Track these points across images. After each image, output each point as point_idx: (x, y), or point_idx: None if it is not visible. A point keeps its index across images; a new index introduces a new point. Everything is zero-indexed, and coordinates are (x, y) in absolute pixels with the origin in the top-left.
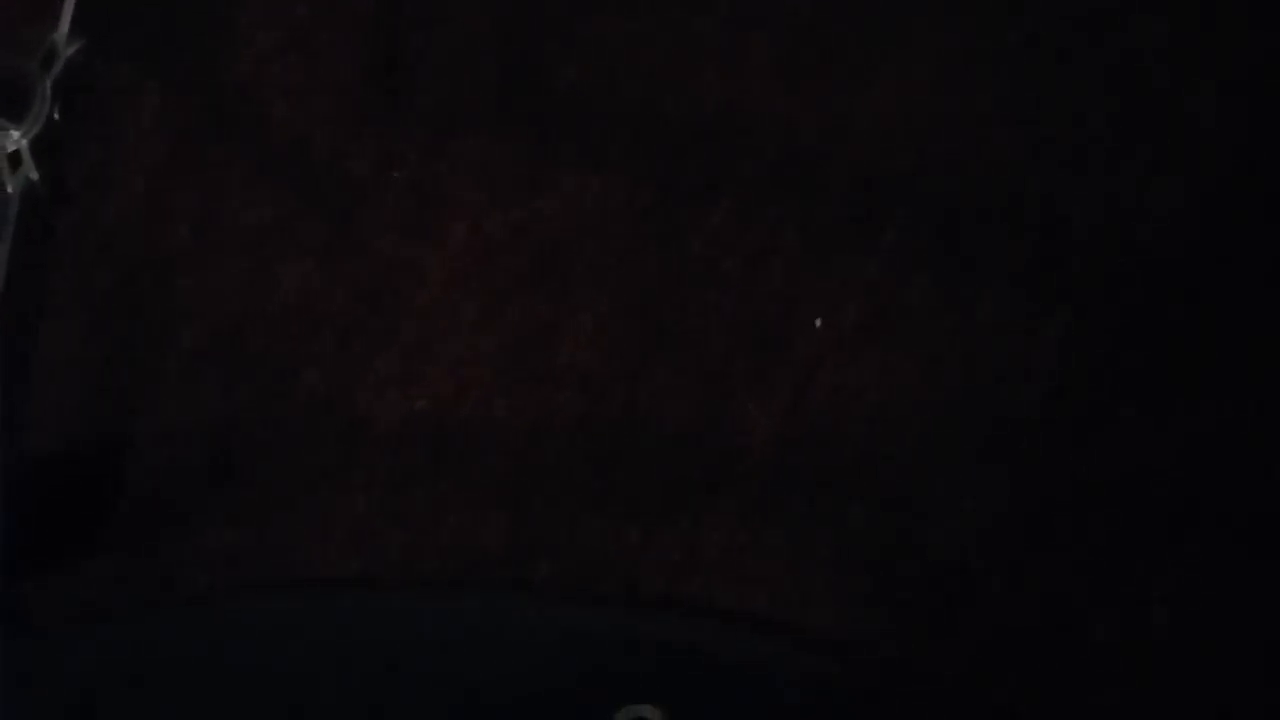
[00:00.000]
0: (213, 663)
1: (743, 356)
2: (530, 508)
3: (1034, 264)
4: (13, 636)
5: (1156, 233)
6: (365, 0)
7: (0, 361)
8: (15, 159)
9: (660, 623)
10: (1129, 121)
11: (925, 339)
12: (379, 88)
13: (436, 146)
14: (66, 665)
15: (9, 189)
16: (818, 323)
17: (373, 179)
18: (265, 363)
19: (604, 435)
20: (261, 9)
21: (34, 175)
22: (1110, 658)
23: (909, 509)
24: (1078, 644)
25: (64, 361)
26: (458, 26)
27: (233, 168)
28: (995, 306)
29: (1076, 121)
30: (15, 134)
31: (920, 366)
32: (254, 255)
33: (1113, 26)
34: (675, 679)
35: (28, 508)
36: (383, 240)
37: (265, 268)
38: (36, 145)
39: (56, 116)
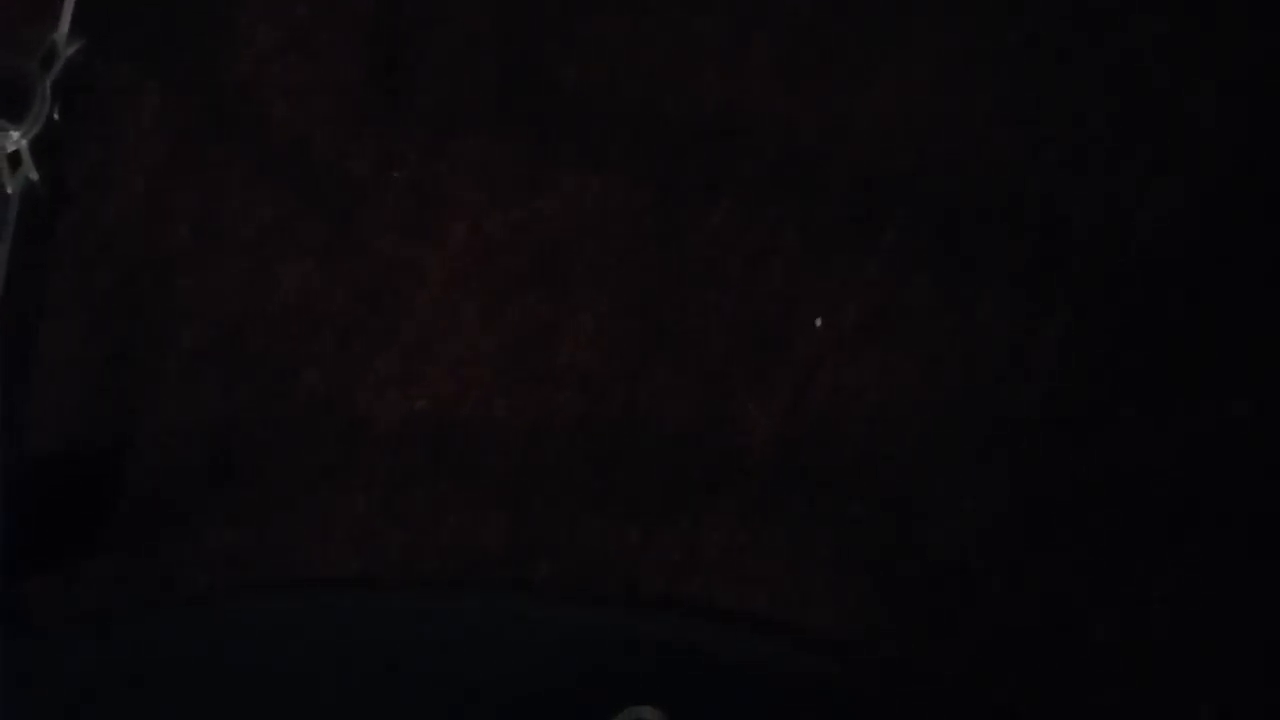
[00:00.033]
0: (212, 663)
1: (743, 356)
2: (530, 507)
3: (1034, 264)
4: (13, 636)
5: (1156, 233)
6: (365, 0)
7: (0, 361)
8: (15, 159)
9: (660, 623)
10: (1129, 121)
11: (925, 339)
12: (379, 88)
13: (437, 146)
14: (66, 665)
15: (9, 189)
16: (818, 322)
17: (373, 179)
18: (265, 363)
19: (604, 435)
20: (261, 9)
21: (34, 175)
22: (1110, 658)
23: (909, 509)
24: (1078, 644)
25: (64, 362)
26: (458, 26)
27: (233, 168)
28: (995, 306)
29: (1076, 121)
30: (15, 134)
31: (920, 366)
32: (254, 255)
33: (1113, 26)
34: (675, 679)
35: (28, 508)
36: (383, 240)
37: (265, 268)
38: (36, 145)
39: (56, 117)
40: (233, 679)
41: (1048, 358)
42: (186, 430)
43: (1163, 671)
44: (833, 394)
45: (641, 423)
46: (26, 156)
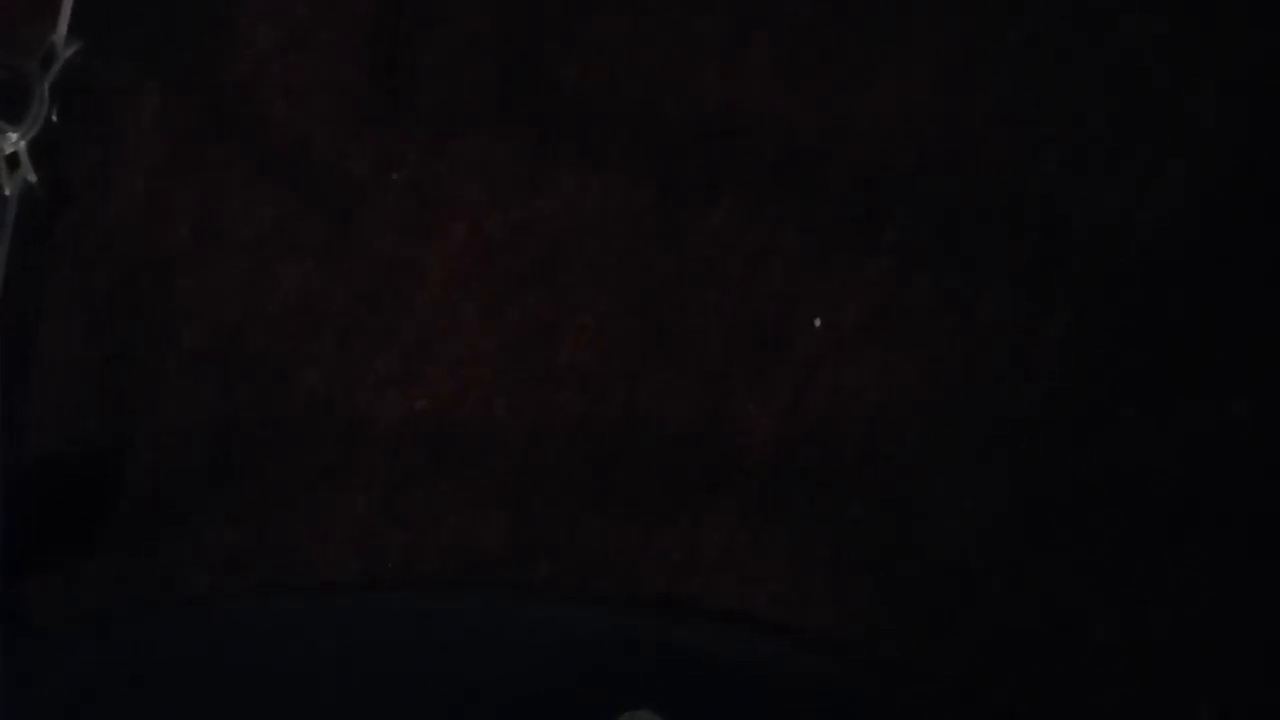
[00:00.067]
0: (212, 664)
1: (743, 356)
2: (530, 507)
3: (1034, 264)
4: (13, 636)
5: (1156, 233)
6: (366, 0)
7: (0, 362)
8: (13, 161)
9: (659, 624)
10: (1129, 121)
11: (925, 339)
12: (379, 88)
13: (437, 146)
14: (66, 665)
15: (7, 191)
16: (816, 323)
17: (373, 179)
18: (265, 363)
19: (604, 435)
20: (261, 9)
21: (32, 177)
22: (1110, 658)
23: (909, 509)
24: (1078, 644)
25: (64, 362)
26: (458, 26)
27: (232, 168)
28: (995, 306)
29: (1076, 121)
30: (14, 136)
31: (920, 366)
32: (254, 255)
33: (1112, 26)
34: (674, 681)
35: (28, 508)
36: (383, 240)
37: (265, 268)
38: (35, 147)
39: (55, 118)
40: (232, 680)
41: (1048, 358)
42: (186, 430)
43: (1163, 671)
44: (833, 394)
45: (641, 423)
46: (25, 158)
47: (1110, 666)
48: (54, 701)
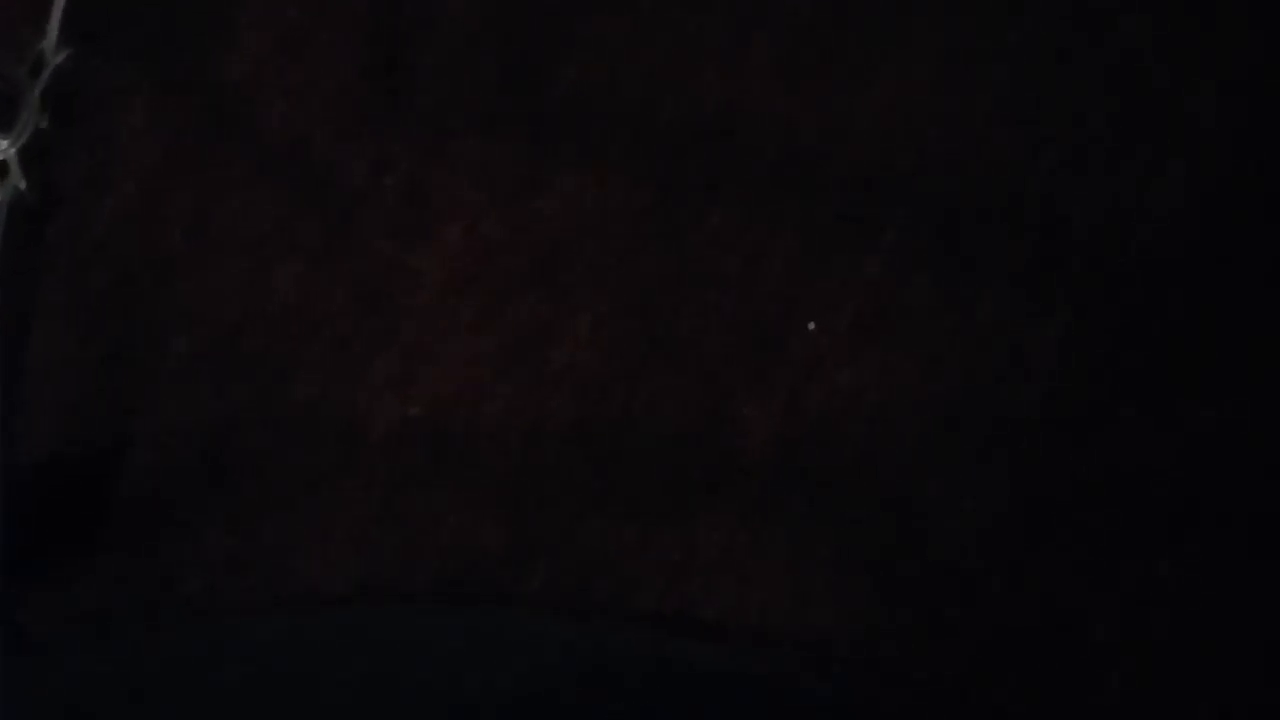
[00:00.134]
0: (208, 677)
1: (742, 357)
2: (528, 509)
3: (1034, 264)
4: (9, 643)
5: (1156, 233)
6: (361, 2)
7: None
8: (3, 169)
9: (655, 637)
10: (1129, 121)
11: (925, 339)
12: (376, 89)
13: (434, 147)
14: (64, 675)
15: None
16: (811, 326)
17: (370, 181)
18: (262, 365)
19: (602, 436)
20: (256, 11)
21: (22, 184)
22: (1110, 658)
23: (909, 509)
24: (1078, 644)
25: (59, 366)
26: (456, 26)
27: (228, 170)
28: (995, 306)
29: (1076, 121)
30: (4, 144)
31: (920, 367)
32: (250, 258)
33: (1113, 26)
34: (670, 695)
35: (25, 511)
36: (380, 242)
37: (261, 270)
38: (26, 153)
39: (45, 125)
40: (226, 693)
41: (1048, 358)
42: (183, 432)
43: (1163, 671)
44: (832, 395)
45: (640, 424)
46: (15, 165)
47: (1110, 666)
48: (49, 710)
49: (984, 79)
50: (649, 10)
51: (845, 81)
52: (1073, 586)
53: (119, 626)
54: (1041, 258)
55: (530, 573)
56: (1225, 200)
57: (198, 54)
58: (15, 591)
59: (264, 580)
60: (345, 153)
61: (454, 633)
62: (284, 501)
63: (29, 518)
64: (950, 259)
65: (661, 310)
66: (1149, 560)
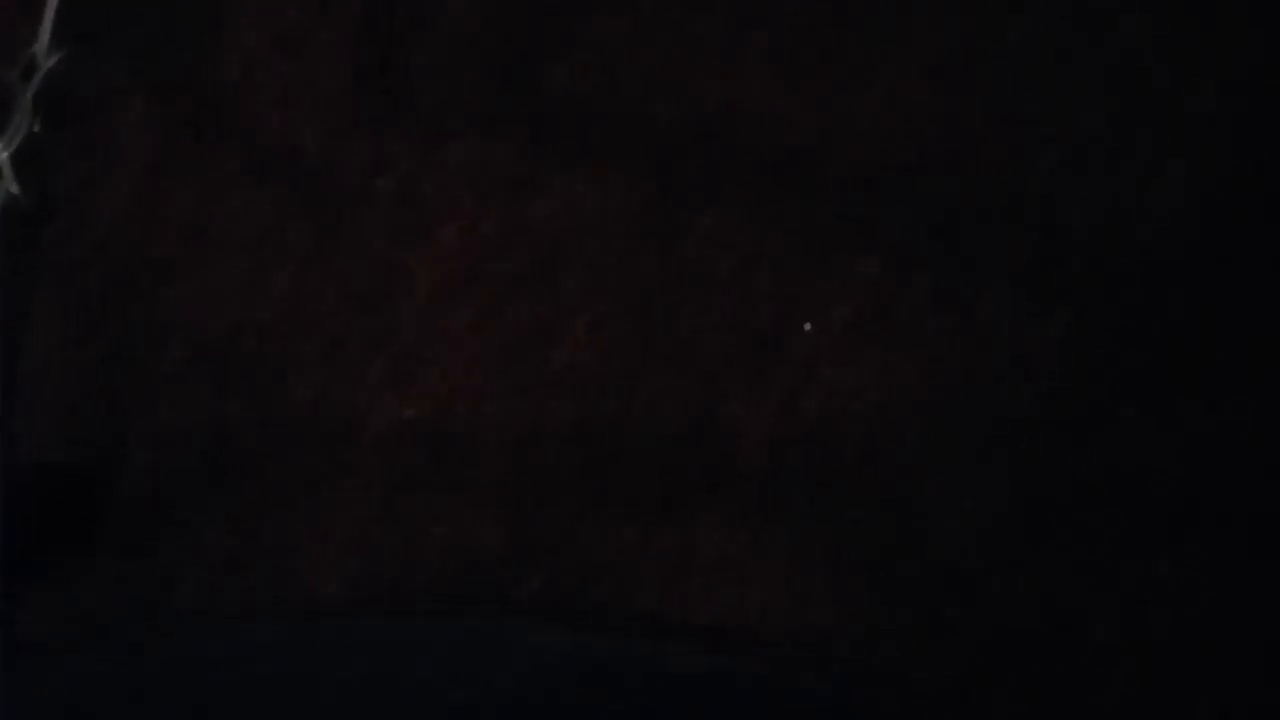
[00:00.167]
0: (207, 678)
1: (740, 358)
2: (526, 511)
3: (1034, 264)
4: (9, 645)
5: (1156, 233)
6: (353, 4)
7: None
8: None
9: (655, 640)
10: (1129, 122)
11: (924, 339)
12: (370, 91)
13: (429, 150)
14: (64, 675)
15: None
16: (807, 327)
17: (365, 183)
18: (259, 367)
19: (600, 437)
20: (249, 13)
21: (14, 189)
22: (1110, 658)
23: (909, 509)
24: (1078, 644)
25: (56, 369)
26: (450, 27)
27: (222, 173)
28: (995, 306)
29: (1076, 121)
30: None
31: (919, 367)
32: (246, 261)
33: (1113, 26)
34: (665, 701)
35: (21, 516)
36: (376, 243)
37: (257, 273)
38: (19, 157)
39: (38, 128)
40: (225, 696)
41: (1048, 358)
42: (180, 436)
43: (1163, 671)
44: (830, 395)
45: (638, 425)
46: (8, 170)
47: (1110, 666)
48: (49, 710)
49: (984, 79)
50: (647, 11)
51: (843, 82)
52: (1073, 586)
53: (119, 627)
54: (1041, 258)
55: (529, 574)
56: (1225, 200)
57: (191, 56)
58: (15, 592)
59: (263, 581)
60: (341, 154)
61: (453, 635)
62: (282, 502)
63: (28, 518)
64: (950, 259)
65: (659, 311)
66: (1149, 560)
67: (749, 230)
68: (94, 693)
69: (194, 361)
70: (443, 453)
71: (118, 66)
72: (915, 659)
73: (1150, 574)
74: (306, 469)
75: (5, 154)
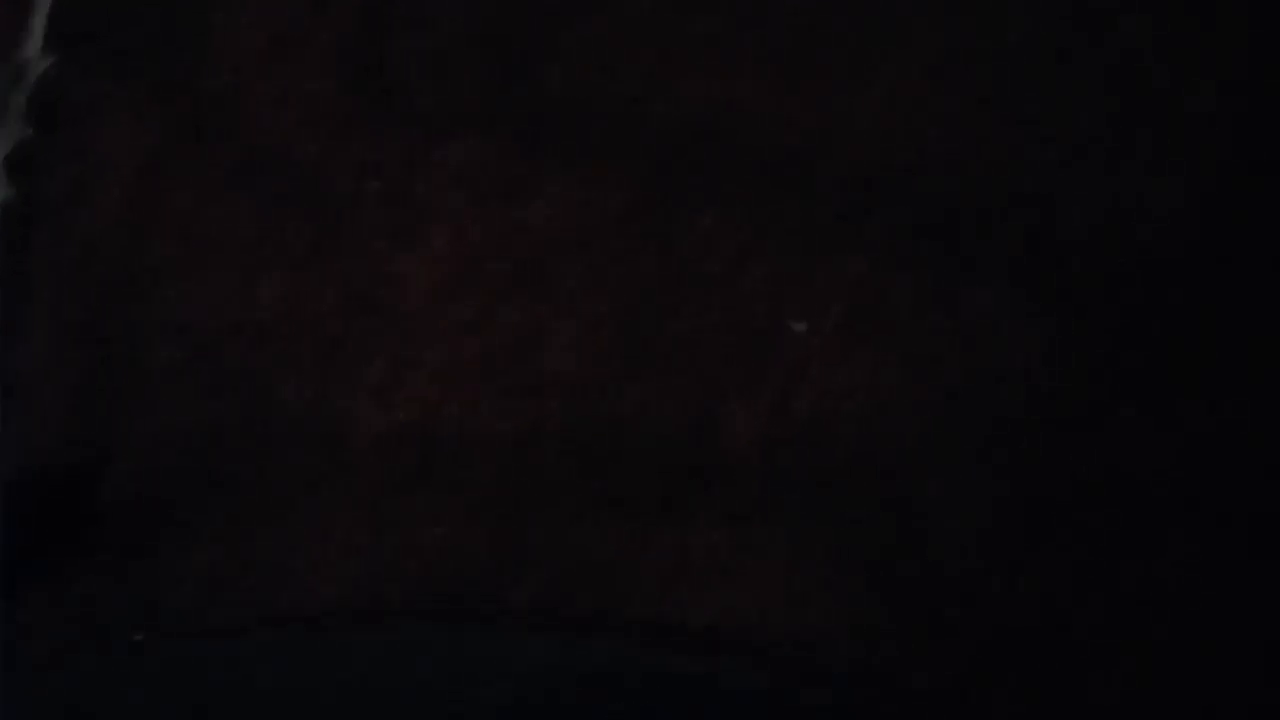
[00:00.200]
0: (202, 684)
1: (733, 359)
2: (518, 515)
3: (1034, 264)
4: (8, 648)
5: (1156, 233)
6: (348, 6)
7: None
8: None
9: (652, 645)
10: (1129, 122)
11: (924, 339)
12: (361, 95)
13: (421, 152)
14: (62, 679)
15: None
16: (799, 327)
17: (355, 187)
18: (249, 372)
19: (595, 440)
20: (240, 17)
21: (5, 193)
22: (1110, 658)
23: (908, 509)
24: (1077, 644)
25: (47, 374)
26: (442, 30)
27: (212, 178)
28: (995, 306)
29: (1076, 121)
30: None
31: (919, 367)
32: (236, 266)
33: (1113, 26)
34: (659, 707)
35: (16, 518)
36: (366, 248)
37: (247, 278)
38: (10, 162)
39: (29, 134)
40: (220, 703)
41: (1047, 357)
42: (175, 439)
43: (1163, 671)
44: (827, 395)
45: (633, 427)
46: (0, 174)
47: (1110, 666)
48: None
49: (984, 79)
50: (641, 11)
51: (841, 82)
52: (1073, 587)
53: (117, 629)
54: (1041, 257)
55: (524, 577)
56: (1225, 200)
57: (182, 61)
58: (12, 593)
59: (258, 584)
60: (335, 156)
61: (448, 641)
62: (278, 505)
63: (22, 521)
64: (950, 259)
65: (651, 313)
66: (1149, 560)
67: (745, 230)
68: (94, 693)
69: (188, 364)
70: (438, 456)
71: (109, 70)
72: (915, 659)
73: (1150, 574)
74: (301, 472)
75: None
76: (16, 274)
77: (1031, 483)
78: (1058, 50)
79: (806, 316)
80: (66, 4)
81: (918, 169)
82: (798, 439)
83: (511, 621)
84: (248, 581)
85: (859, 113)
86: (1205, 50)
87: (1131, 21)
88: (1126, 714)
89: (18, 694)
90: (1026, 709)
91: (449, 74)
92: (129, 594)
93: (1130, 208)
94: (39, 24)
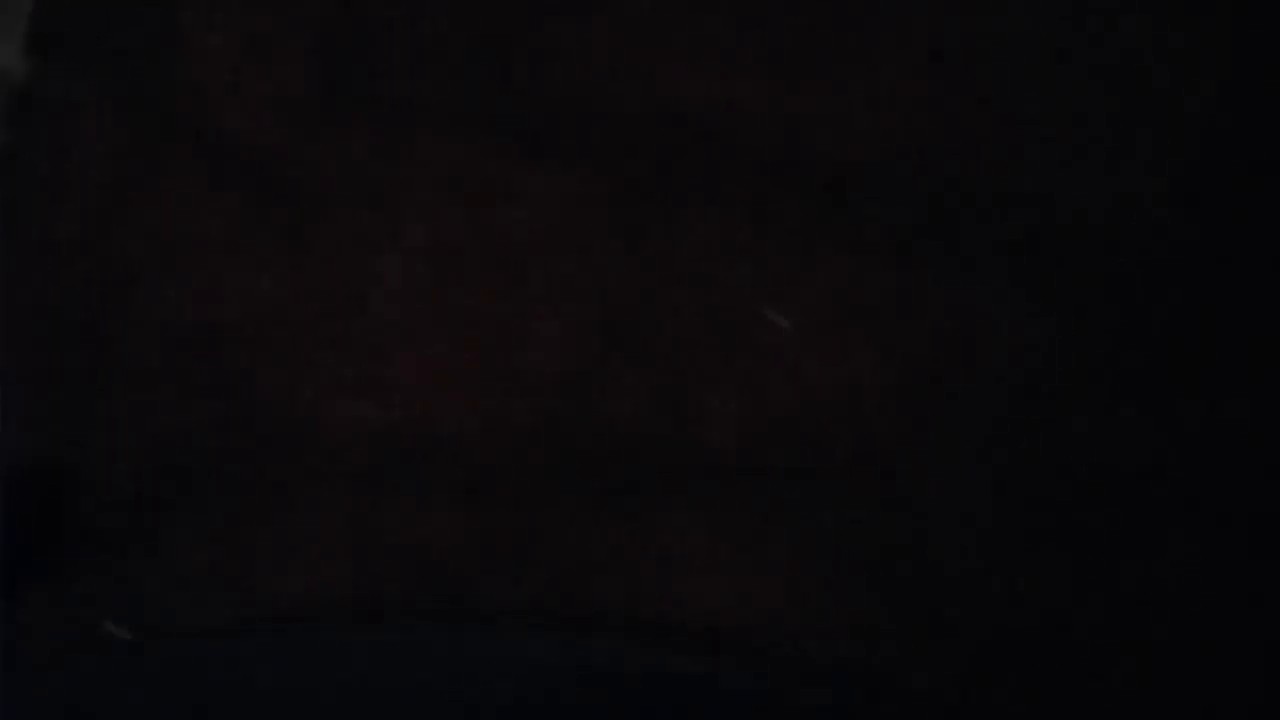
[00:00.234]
0: (202, 687)
1: (716, 356)
2: (499, 512)
3: (1032, 263)
4: (8, 648)
5: (1156, 233)
6: (320, 2)
7: None
8: None
9: (620, 649)
10: (1128, 121)
11: (924, 340)
12: (336, 91)
13: (397, 150)
14: (62, 679)
15: None
16: (785, 323)
17: (332, 184)
18: (225, 374)
19: (572, 437)
20: (216, 14)
21: None
22: (1110, 658)
23: (908, 509)
24: (1077, 644)
25: (21, 377)
26: (417, 27)
27: (186, 178)
28: (994, 306)
29: (1076, 121)
30: None
31: (919, 367)
32: (211, 266)
33: (1113, 26)
34: (632, 708)
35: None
36: (343, 247)
37: (223, 277)
38: None
39: (3, 135)
40: (211, 706)
41: (1048, 357)
42: (147, 441)
43: (1163, 671)
44: (812, 391)
45: (608, 424)
46: None
47: (1110, 666)
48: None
49: (983, 77)
50: (617, 7)
51: (832, 78)
52: (1073, 587)
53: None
54: (1040, 257)
55: (502, 575)
56: (1226, 201)
57: (156, 60)
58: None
59: (232, 587)
60: (307, 156)
61: (426, 642)
62: (250, 510)
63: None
64: (950, 259)
65: (632, 309)
66: (1149, 560)
67: (728, 226)
68: (94, 693)
69: (158, 370)
70: (413, 454)
71: (81, 73)
72: (915, 659)
73: (1150, 574)
74: (276, 472)
75: None
76: None
77: (1031, 483)
78: (1058, 50)
79: (791, 313)
80: (44, 6)
81: (917, 170)
82: (784, 435)
83: (509, 621)
84: (220, 585)
85: (849, 109)
86: (1205, 50)
87: (1131, 21)
88: (1126, 714)
89: (18, 694)
90: (1026, 709)
91: (427, 71)
92: (112, 593)
93: (1130, 208)
94: (19, 27)
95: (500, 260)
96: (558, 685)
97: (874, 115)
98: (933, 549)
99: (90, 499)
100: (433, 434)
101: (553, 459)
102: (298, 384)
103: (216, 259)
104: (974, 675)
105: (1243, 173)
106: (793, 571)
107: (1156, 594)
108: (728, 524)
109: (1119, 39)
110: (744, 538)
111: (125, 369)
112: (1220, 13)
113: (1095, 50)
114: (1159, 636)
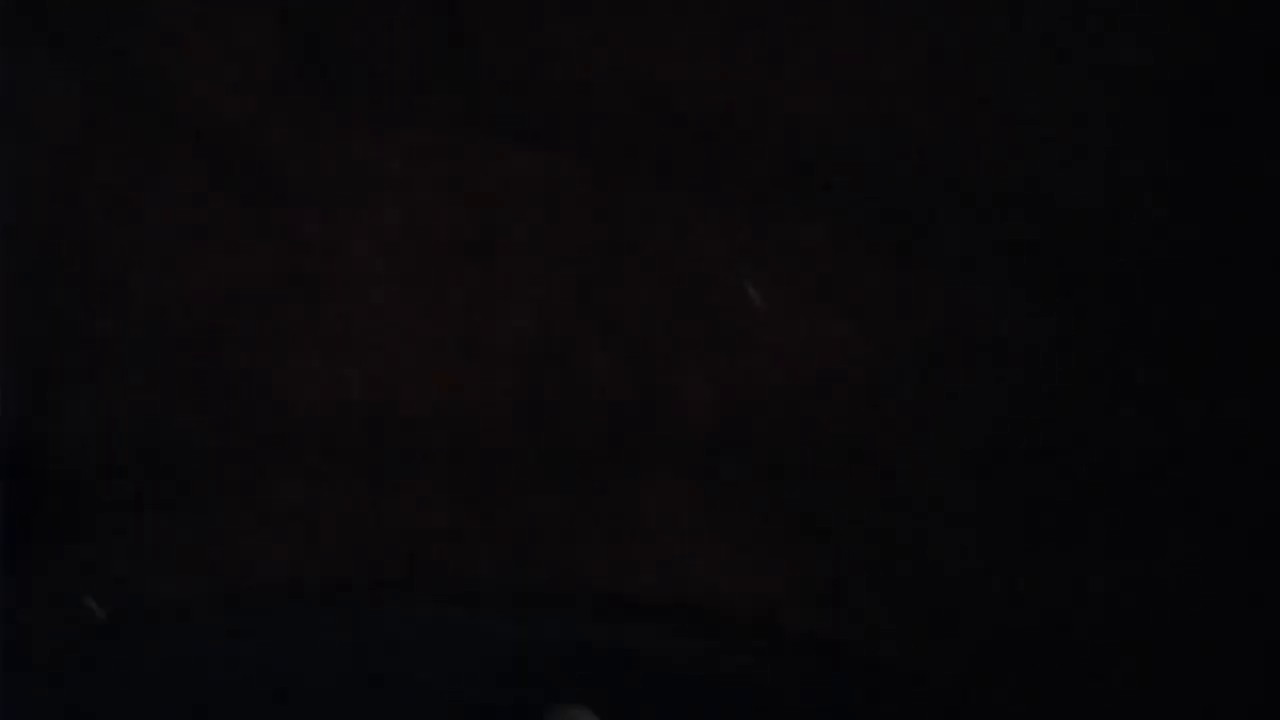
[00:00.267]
0: (193, 697)
1: (688, 333)
2: (471, 486)
3: (1033, 264)
4: (8, 648)
5: (1156, 233)
6: None
7: None
8: None
9: (593, 623)
10: (1128, 121)
11: (924, 340)
12: (301, 66)
13: (366, 125)
14: (62, 679)
15: None
16: (758, 300)
17: (300, 159)
18: (191, 349)
19: (547, 414)
20: None
21: None
22: (1110, 658)
23: (908, 509)
24: (1077, 644)
25: None
26: (390, 4)
27: (153, 150)
28: (995, 307)
29: (1076, 121)
30: None
31: (918, 367)
32: (174, 241)
33: (1113, 26)
34: (606, 679)
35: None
36: (311, 222)
37: (188, 251)
38: None
39: None
40: (170, 691)
41: (1048, 358)
42: (113, 420)
43: (1163, 671)
44: (796, 372)
45: (584, 397)
46: None
47: (1110, 666)
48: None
49: (983, 77)
50: None
51: (812, 61)
52: (1073, 587)
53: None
54: (1040, 257)
55: (484, 551)
56: (1226, 201)
57: (114, 37)
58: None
59: (203, 567)
60: (274, 131)
61: (413, 619)
62: (220, 487)
63: None
64: (949, 259)
65: (601, 284)
66: (1149, 560)
67: (693, 203)
68: (94, 692)
69: (122, 346)
70: (383, 432)
71: (43, 47)
72: (915, 658)
73: (1150, 574)
74: (242, 455)
75: None
76: None
77: (1031, 483)
78: (1058, 50)
79: (767, 295)
80: None
81: (917, 170)
82: (758, 411)
83: (476, 596)
84: (191, 565)
85: (836, 99)
86: (1204, 50)
87: (1131, 21)
88: (1126, 714)
89: (18, 694)
90: (1026, 709)
91: (396, 45)
92: (78, 581)
93: (1129, 208)
94: None
95: (470, 234)
96: (527, 656)
97: (891, 122)
98: (933, 549)
99: (54, 476)
100: (409, 413)
101: (531, 436)
102: (265, 360)
103: (179, 230)
104: (974, 675)
105: (1243, 174)
106: (795, 572)
107: (1156, 594)
108: (706, 498)
109: (1119, 39)
110: (723, 511)
111: (95, 351)
112: (1220, 13)
113: (1095, 50)
114: (1159, 636)
